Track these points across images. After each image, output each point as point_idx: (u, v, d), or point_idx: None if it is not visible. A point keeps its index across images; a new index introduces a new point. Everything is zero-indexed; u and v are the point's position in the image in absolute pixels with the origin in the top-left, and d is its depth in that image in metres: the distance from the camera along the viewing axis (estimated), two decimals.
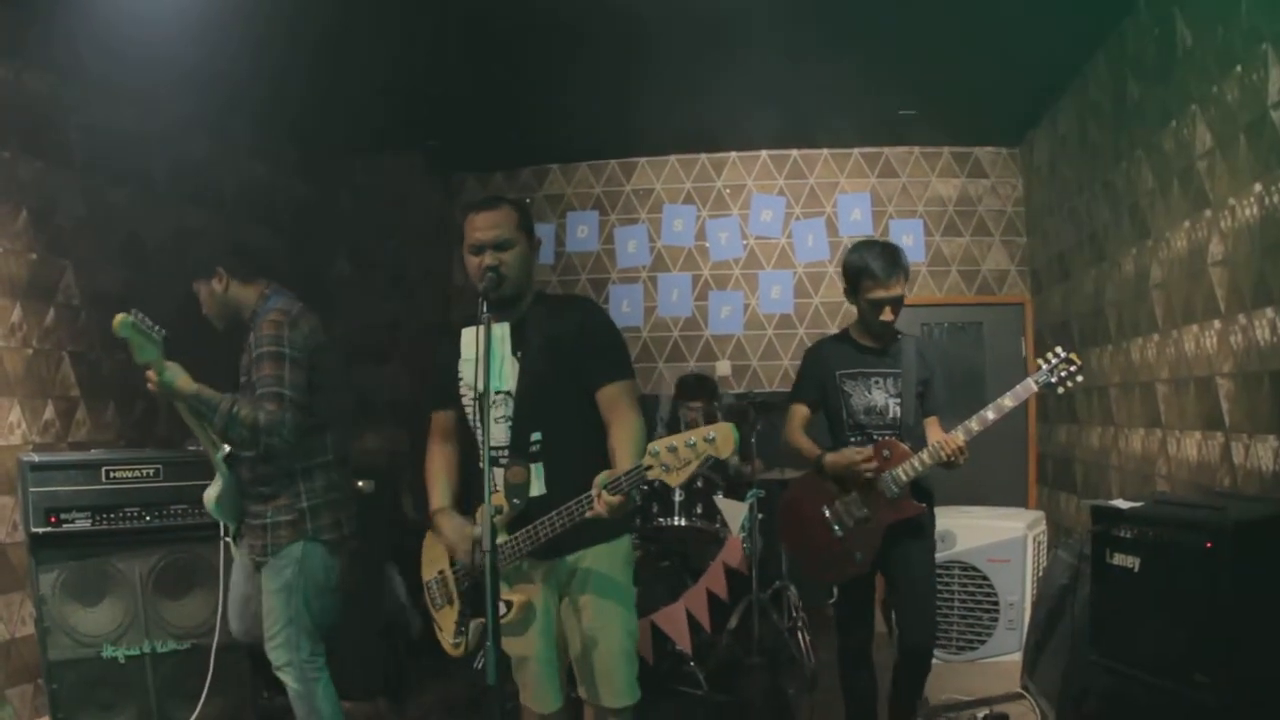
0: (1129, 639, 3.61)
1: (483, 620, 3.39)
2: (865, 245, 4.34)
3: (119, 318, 3.71)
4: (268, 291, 4.12)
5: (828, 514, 4.31)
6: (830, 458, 4.27)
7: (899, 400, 4.31)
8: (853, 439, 4.35)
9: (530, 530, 3.28)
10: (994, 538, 6.09)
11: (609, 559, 3.43)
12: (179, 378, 3.83)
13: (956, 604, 6.08)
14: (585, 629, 3.41)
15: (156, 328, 3.79)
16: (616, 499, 3.02)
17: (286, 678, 4.00)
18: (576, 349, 3.40)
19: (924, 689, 4.51)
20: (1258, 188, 3.92)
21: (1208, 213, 4.43)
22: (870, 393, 4.34)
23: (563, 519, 3.20)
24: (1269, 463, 3.88)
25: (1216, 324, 4.36)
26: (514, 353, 3.43)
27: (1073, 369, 4.07)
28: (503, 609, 3.35)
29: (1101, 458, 6.04)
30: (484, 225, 3.38)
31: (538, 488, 3.34)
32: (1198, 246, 4.54)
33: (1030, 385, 4.08)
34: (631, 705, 3.43)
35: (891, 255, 4.23)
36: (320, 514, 4.00)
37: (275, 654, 4.01)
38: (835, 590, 4.45)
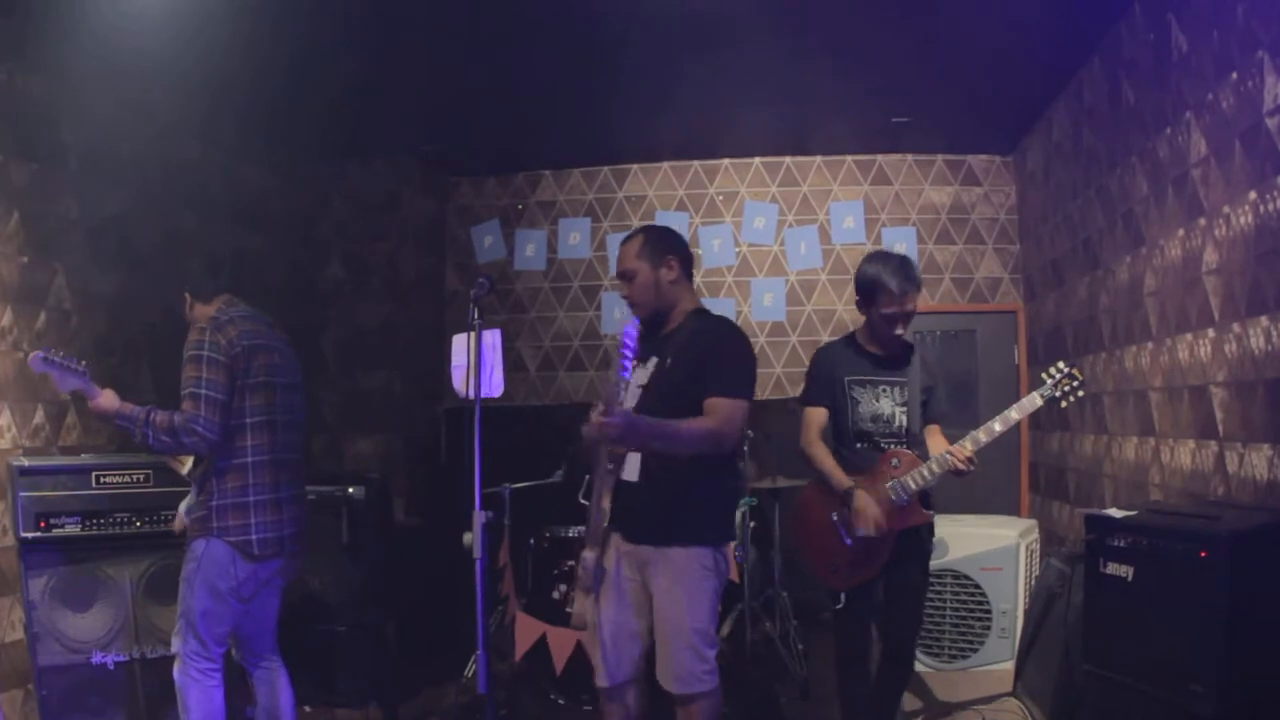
0: (1122, 648, 3.60)
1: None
2: (880, 258, 4.41)
3: (32, 356, 3.97)
4: (224, 306, 4.20)
5: (837, 520, 4.31)
6: (862, 502, 4.18)
7: (905, 409, 4.36)
8: (858, 445, 4.37)
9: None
10: (986, 546, 6.08)
11: (684, 561, 3.65)
12: (103, 399, 4.02)
13: (949, 612, 6.06)
14: (654, 618, 3.73)
15: (74, 359, 4.01)
16: None
17: (174, 666, 4.08)
18: (699, 363, 3.69)
19: (902, 697, 4.56)
20: (1252, 195, 3.91)
21: (1202, 220, 4.42)
22: (878, 401, 4.37)
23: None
24: (1263, 472, 3.87)
25: (1210, 332, 4.36)
26: (657, 355, 3.81)
27: (1075, 384, 4.21)
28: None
29: (1095, 466, 6.04)
30: (619, 258, 3.89)
31: (631, 474, 3.71)
32: (1192, 254, 4.53)
33: (1035, 399, 4.21)
34: (689, 693, 3.68)
35: (906, 270, 4.31)
36: (226, 514, 4.00)
37: (172, 641, 4.13)
38: (843, 596, 4.37)
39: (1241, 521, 3.36)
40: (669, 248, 3.84)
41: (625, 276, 3.84)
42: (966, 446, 4.14)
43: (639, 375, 3.84)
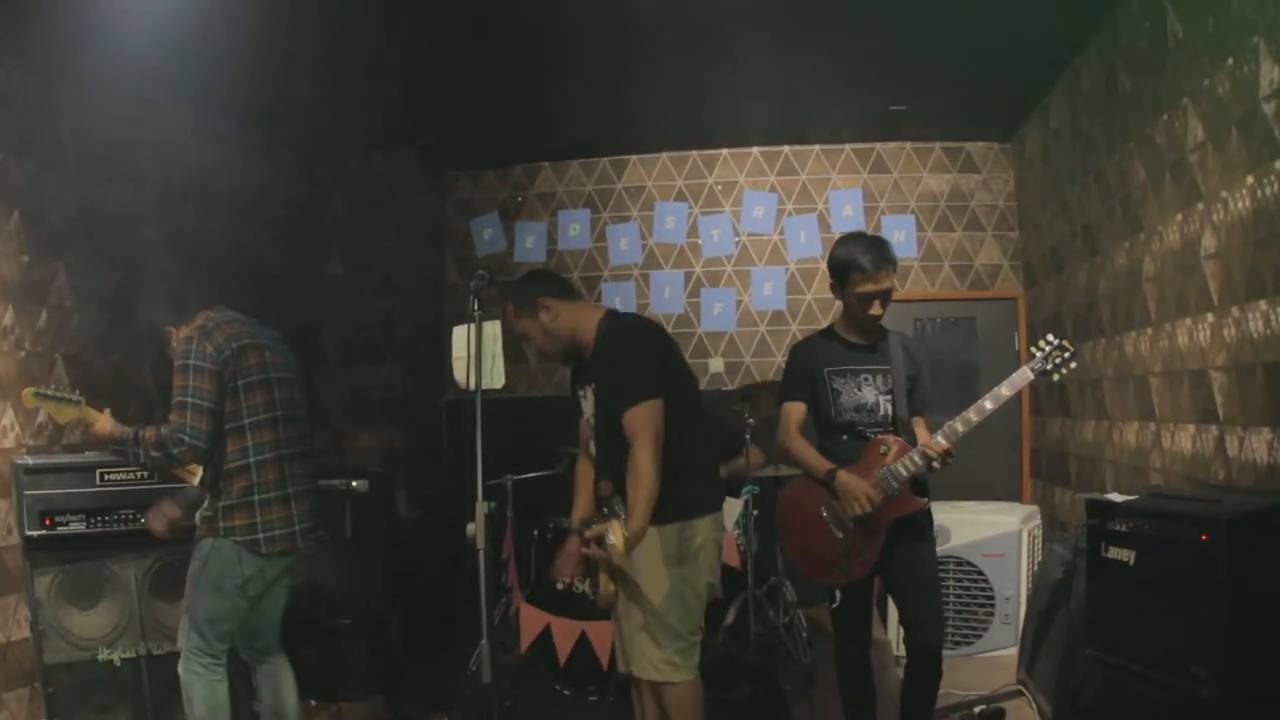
0: (1125, 632, 3.61)
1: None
2: (852, 238, 4.27)
3: (26, 392, 4.14)
4: (209, 316, 4.21)
5: (826, 514, 4.19)
6: (846, 480, 4.09)
7: (889, 397, 4.22)
8: (843, 437, 4.25)
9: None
10: (989, 532, 6.09)
11: (645, 541, 3.64)
12: (98, 424, 4.11)
13: (952, 599, 6.07)
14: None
15: (68, 389, 4.14)
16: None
17: (179, 662, 4.13)
18: (603, 385, 3.81)
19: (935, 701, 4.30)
20: (1249, 180, 3.92)
21: (1200, 205, 4.43)
22: (860, 390, 4.23)
23: None
24: (1263, 455, 3.88)
25: (1209, 317, 4.37)
26: (590, 384, 3.89)
27: (1066, 355, 4.04)
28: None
29: (1096, 451, 6.05)
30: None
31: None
32: (1190, 239, 4.54)
33: (1026, 374, 4.04)
34: (652, 681, 3.77)
35: (879, 248, 4.14)
36: (233, 514, 4.02)
37: (177, 638, 4.19)
38: (838, 594, 4.25)
39: (1242, 505, 3.36)
40: (535, 292, 3.92)
41: (522, 341, 3.98)
42: (940, 441, 3.98)
43: (586, 406, 3.94)
